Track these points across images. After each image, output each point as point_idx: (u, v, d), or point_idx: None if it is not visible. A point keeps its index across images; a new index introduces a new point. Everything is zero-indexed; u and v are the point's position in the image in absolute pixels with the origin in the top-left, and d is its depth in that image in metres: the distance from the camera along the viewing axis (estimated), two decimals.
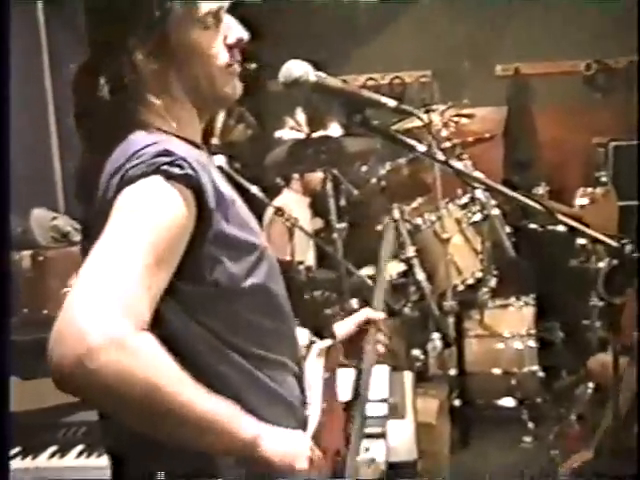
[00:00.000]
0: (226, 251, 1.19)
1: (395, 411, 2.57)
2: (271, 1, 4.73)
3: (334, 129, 3.64)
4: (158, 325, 1.10)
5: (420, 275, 3.54)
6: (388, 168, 3.76)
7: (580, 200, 3.71)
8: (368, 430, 1.82)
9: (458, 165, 1.39)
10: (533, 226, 3.85)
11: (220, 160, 2.59)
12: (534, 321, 3.81)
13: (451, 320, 3.64)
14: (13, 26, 1.54)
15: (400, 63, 5.27)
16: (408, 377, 2.91)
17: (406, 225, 3.64)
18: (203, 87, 1.28)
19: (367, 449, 2.21)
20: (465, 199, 3.75)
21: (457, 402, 3.57)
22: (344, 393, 1.54)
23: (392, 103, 1.32)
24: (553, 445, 3.30)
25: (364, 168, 3.96)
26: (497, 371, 3.70)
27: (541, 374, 3.67)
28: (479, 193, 3.66)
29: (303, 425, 1.31)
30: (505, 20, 5.18)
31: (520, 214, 3.78)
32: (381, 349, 1.67)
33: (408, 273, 3.62)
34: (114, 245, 1.06)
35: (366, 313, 1.71)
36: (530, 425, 3.60)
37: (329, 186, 3.27)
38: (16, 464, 2.06)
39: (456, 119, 3.82)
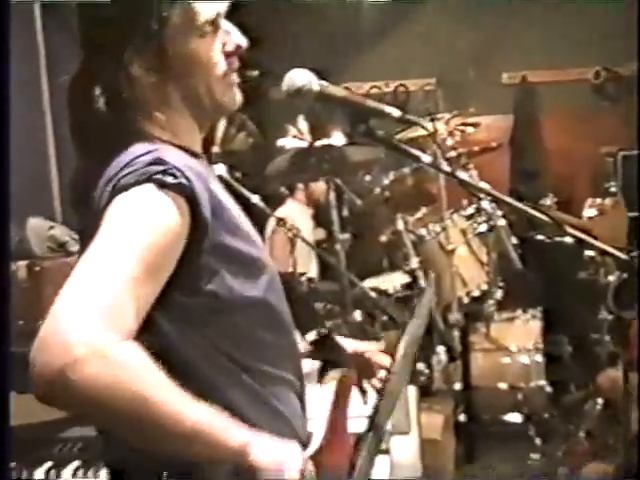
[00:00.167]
0: (225, 263, 1.19)
1: (399, 427, 2.56)
2: (273, 6, 4.75)
3: (337, 138, 3.65)
4: (153, 335, 1.10)
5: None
6: (392, 178, 3.77)
7: (588, 211, 3.71)
8: None
9: (463, 176, 1.39)
10: (540, 237, 3.85)
11: (221, 169, 2.60)
12: (541, 335, 3.81)
13: (456, 333, 3.63)
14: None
15: (404, 71, 5.29)
16: (412, 392, 2.90)
17: (410, 236, 3.65)
18: (202, 97, 1.28)
19: None
20: (471, 209, 3.76)
21: (462, 417, 3.57)
22: (358, 424, 1.38)
23: (396, 113, 1.32)
24: (561, 462, 3.29)
25: (367, 178, 3.97)
26: (503, 386, 3.69)
27: (549, 389, 3.66)
28: (485, 203, 3.67)
29: (303, 442, 1.30)
30: (512, 27, 5.20)
31: (527, 225, 3.79)
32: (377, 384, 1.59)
33: (412, 285, 3.62)
34: (102, 254, 1.06)
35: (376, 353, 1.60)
36: (537, 441, 3.59)
37: (332, 196, 3.27)
38: None
39: (461, 128, 3.83)
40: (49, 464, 2.12)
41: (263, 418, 1.21)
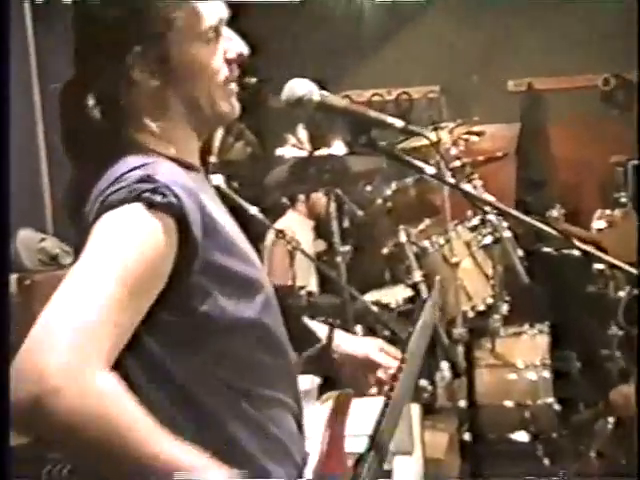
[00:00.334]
0: (217, 283, 1.19)
1: (401, 446, 2.55)
2: (271, 11, 4.77)
3: (337, 147, 3.66)
4: (142, 357, 1.11)
5: None
6: (394, 188, 3.77)
7: (597, 223, 3.72)
8: None
9: (468, 188, 1.39)
10: (547, 250, 3.85)
11: (218, 179, 2.61)
12: (549, 350, 3.79)
13: (460, 349, 3.62)
14: None
15: (407, 78, 5.31)
16: (415, 410, 2.89)
17: (413, 248, 3.65)
18: (203, 105, 1.29)
19: None
20: (475, 221, 3.76)
21: (467, 436, 3.55)
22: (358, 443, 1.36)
23: (399, 123, 1.32)
24: None
25: (369, 188, 3.98)
26: (510, 403, 3.68)
27: (557, 407, 3.65)
28: (490, 215, 3.67)
29: (299, 465, 1.30)
30: (517, 32, 5.21)
31: (533, 237, 3.79)
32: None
33: (415, 299, 3.62)
34: (83, 277, 1.06)
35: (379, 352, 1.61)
36: (546, 462, 3.57)
37: (332, 207, 3.28)
38: None
39: (466, 137, 3.84)
40: None
41: (255, 442, 1.21)
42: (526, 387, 3.69)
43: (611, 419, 3.32)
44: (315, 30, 5.23)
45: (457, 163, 3.70)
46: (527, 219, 1.30)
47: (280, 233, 3.04)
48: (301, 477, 1.29)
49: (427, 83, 5.26)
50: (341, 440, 1.42)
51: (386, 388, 1.47)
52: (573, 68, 5.16)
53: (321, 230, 3.86)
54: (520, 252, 3.70)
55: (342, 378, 1.57)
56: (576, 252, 1.39)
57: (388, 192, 3.77)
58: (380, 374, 1.59)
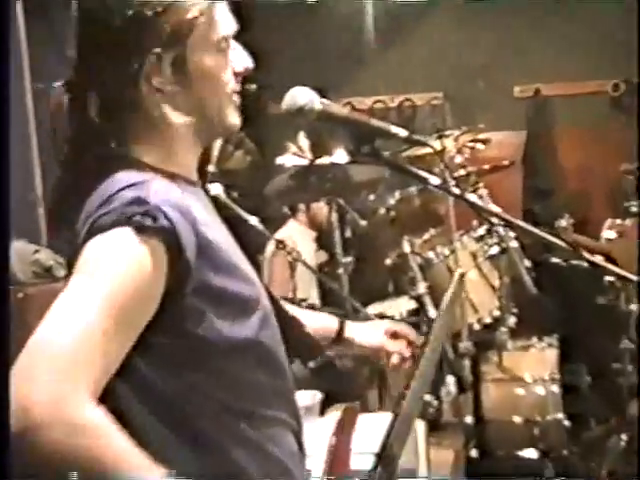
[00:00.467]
0: (212, 303, 1.19)
1: (406, 463, 2.55)
2: (271, 16, 4.80)
3: (339, 155, 3.67)
4: (133, 380, 1.12)
5: (432, 313, 3.54)
6: (398, 197, 3.78)
7: (607, 233, 3.71)
8: None
9: (474, 197, 1.40)
10: (555, 260, 3.85)
11: (217, 189, 2.62)
12: (558, 364, 3.79)
13: (466, 362, 3.62)
14: None
15: (410, 84, 5.31)
16: (420, 426, 2.89)
17: (417, 259, 3.65)
18: (211, 115, 1.29)
19: None
20: (481, 231, 3.76)
21: (474, 453, 3.55)
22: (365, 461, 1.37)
23: (403, 133, 1.33)
24: None
25: (372, 197, 3.98)
26: (518, 419, 3.67)
27: (567, 423, 3.64)
28: (496, 225, 3.67)
29: None
30: (524, 36, 5.22)
31: (541, 247, 3.79)
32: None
33: (419, 311, 3.62)
34: (70, 306, 1.06)
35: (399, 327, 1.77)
36: None
37: (334, 217, 3.29)
38: None
39: (471, 145, 3.84)
40: None
41: (255, 462, 1.22)
42: (534, 402, 3.68)
43: (624, 436, 3.30)
44: (316, 36, 5.25)
45: (462, 172, 3.70)
46: (534, 230, 1.31)
47: (280, 244, 3.05)
48: None
49: (430, 89, 5.26)
50: (347, 452, 1.43)
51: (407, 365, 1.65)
52: (582, 73, 5.16)
53: (323, 240, 3.87)
54: (528, 263, 3.70)
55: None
56: (585, 263, 1.40)
57: (391, 201, 3.78)
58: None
